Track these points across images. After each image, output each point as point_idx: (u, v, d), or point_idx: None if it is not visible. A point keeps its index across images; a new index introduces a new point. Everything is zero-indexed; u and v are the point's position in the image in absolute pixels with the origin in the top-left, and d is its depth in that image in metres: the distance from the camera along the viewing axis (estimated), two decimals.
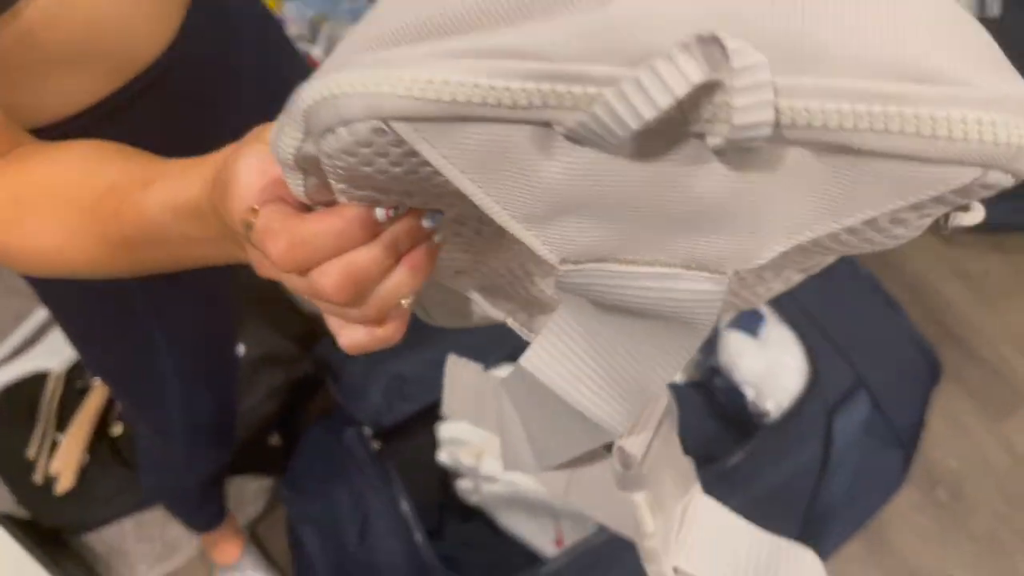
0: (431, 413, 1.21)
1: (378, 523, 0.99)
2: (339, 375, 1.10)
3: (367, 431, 1.08)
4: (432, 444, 1.23)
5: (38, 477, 1.37)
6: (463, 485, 1.22)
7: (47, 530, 1.37)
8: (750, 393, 1.02)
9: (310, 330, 1.56)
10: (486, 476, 1.17)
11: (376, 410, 1.08)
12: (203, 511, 1.24)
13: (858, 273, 1.11)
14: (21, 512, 1.41)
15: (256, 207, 0.34)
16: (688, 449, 1.03)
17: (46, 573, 1.27)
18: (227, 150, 0.39)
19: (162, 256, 0.47)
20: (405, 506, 0.99)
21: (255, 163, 0.35)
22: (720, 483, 0.96)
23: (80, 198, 0.47)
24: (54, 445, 1.41)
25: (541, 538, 1.23)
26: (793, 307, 1.05)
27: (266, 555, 1.39)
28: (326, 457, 1.09)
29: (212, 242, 0.43)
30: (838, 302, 1.08)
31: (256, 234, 0.34)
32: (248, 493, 1.44)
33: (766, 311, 1.06)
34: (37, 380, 1.49)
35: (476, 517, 1.25)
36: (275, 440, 1.45)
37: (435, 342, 1.11)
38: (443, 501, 1.27)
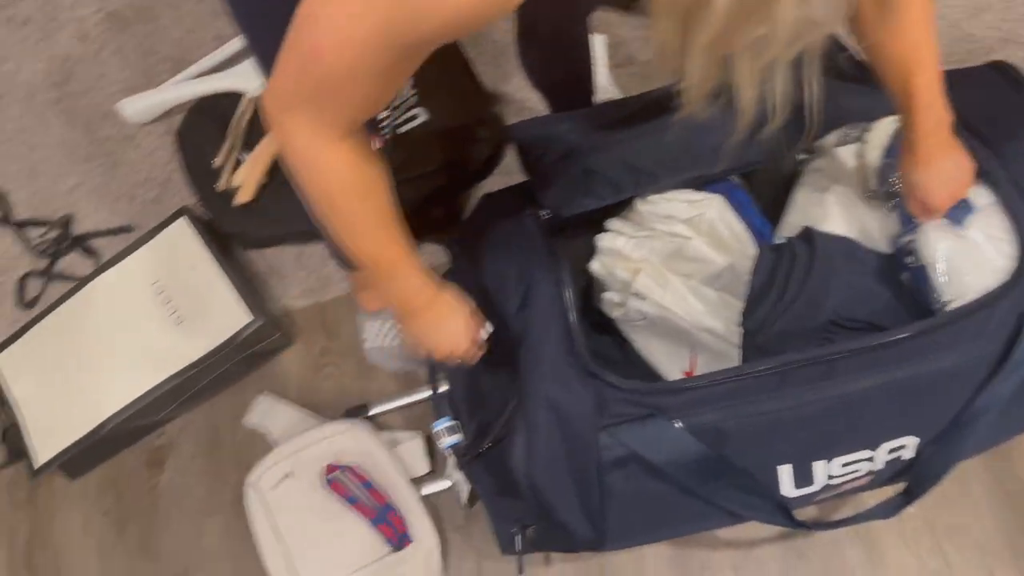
0: (598, 219, 1.22)
1: (539, 300, 1.02)
2: (530, 154, 1.10)
3: (544, 214, 1.10)
4: (586, 252, 1.24)
5: (221, 184, 1.46)
6: (610, 297, 1.24)
7: (221, 235, 1.47)
8: (937, 279, 0.98)
9: (495, 113, 1.56)
10: (637, 293, 1.18)
11: (557, 197, 1.08)
12: None
13: None
14: (204, 212, 1.51)
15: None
16: (857, 313, 1.01)
17: (217, 265, 1.37)
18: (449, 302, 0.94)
19: (370, 263, 0.85)
20: (568, 293, 1.01)
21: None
22: (883, 353, 0.94)
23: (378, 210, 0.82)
24: (238, 162, 1.49)
25: (672, 365, 1.25)
26: (1018, 201, 0.98)
27: None
28: (500, 226, 1.11)
29: (400, 289, 0.89)
30: None
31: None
32: None
33: (984, 202, 0.99)
34: (231, 98, 1.56)
35: (609, 334, 1.28)
36: (438, 213, 1.49)
37: (632, 146, 1.10)
38: (581, 310, 1.29)
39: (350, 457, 1.29)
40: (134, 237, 1.55)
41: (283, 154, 0.75)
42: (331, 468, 1.28)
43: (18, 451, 1.41)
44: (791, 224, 1.14)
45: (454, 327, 0.93)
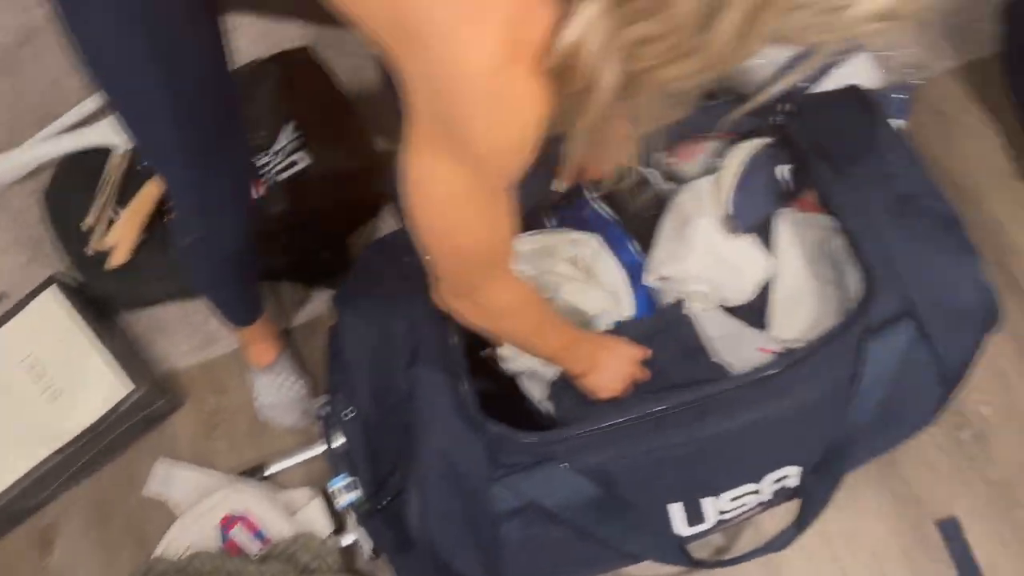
0: None
1: (428, 353, 1.01)
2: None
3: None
4: None
5: (92, 247, 1.40)
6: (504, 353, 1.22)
7: (95, 299, 1.41)
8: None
9: (376, 160, 1.54)
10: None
11: None
12: (238, 302, 1.26)
13: (941, 210, 1.07)
14: (75, 276, 1.45)
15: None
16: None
17: (91, 335, 1.31)
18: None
19: (555, 353, 0.99)
20: (455, 342, 1.00)
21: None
22: (757, 390, 0.97)
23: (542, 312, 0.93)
24: (111, 221, 1.43)
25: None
26: (862, 223, 1.03)
27: (299, 360, 1.42)
28: (385, 279, 1.10)
29: (575, 360, 1.00)
30: (910, 233, 1.05)
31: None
32: (289, 301, 1.47)
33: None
34: (101, 153, 1.49)
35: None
36: (326, 256, 1.47)
37: None
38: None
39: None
40: (7, 304, 1.48)
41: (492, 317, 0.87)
42: (227, 519, 1.25)
43: None
44: (658, 261, 1.15)
45: (624, 368, 1.03)
